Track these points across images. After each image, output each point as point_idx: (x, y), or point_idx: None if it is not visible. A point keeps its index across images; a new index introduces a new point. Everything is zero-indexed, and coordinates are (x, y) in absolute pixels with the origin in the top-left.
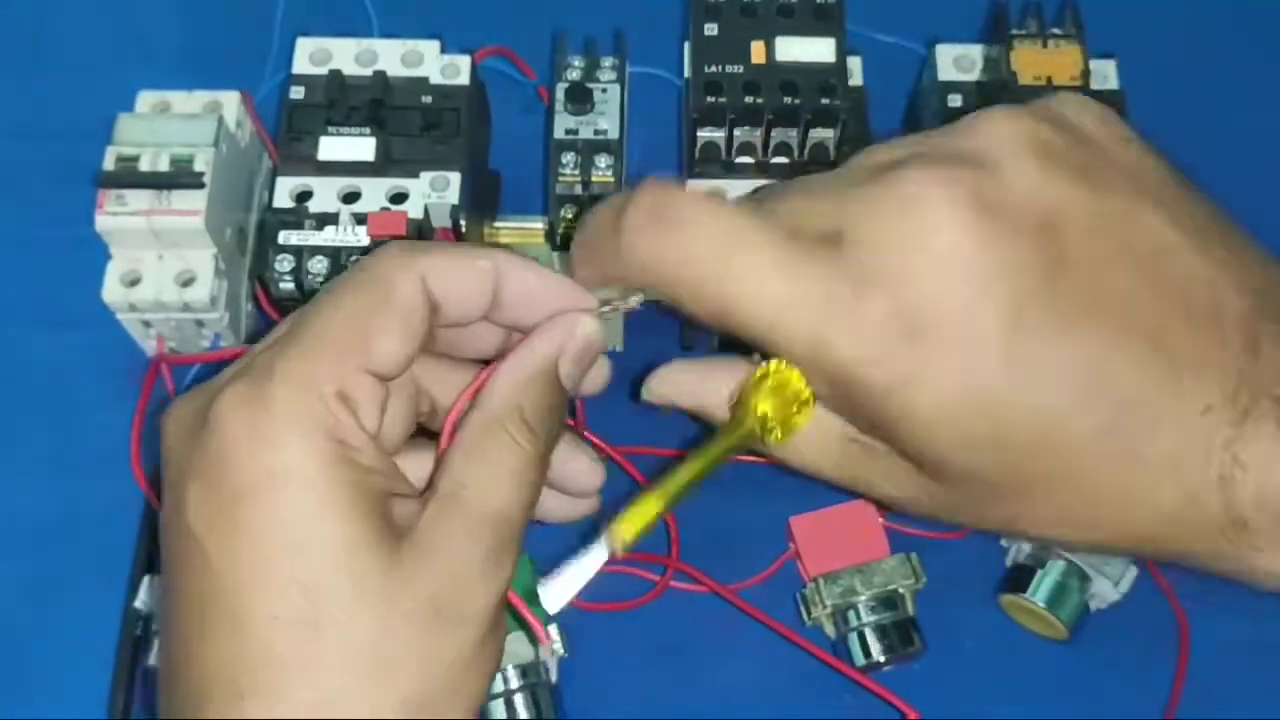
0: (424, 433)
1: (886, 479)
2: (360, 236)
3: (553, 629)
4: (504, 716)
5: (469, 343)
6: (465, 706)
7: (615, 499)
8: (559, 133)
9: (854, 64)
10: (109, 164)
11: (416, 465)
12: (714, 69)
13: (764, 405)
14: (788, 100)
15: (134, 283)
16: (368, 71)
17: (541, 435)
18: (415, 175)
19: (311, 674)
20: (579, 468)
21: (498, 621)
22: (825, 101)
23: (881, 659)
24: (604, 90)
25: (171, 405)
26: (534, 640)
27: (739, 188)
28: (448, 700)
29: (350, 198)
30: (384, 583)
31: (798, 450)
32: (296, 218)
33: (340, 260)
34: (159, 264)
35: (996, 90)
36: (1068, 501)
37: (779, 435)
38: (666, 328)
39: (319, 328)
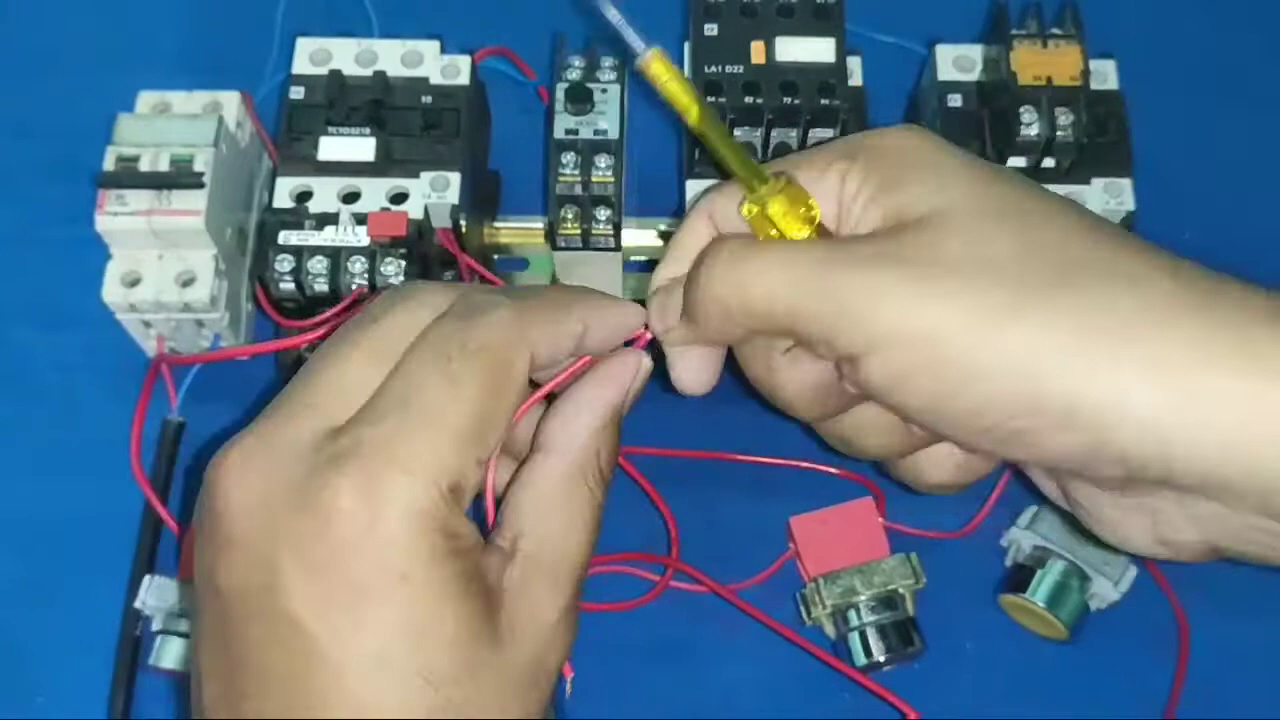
0: None
1: None
2: (360, 237)
3: None
4: None
5: None
6: None
7: (617, 503)
8: (559, 133)
9: (854, 64)
10: (109, 164)
11: None
12: (714, 69)
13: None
14: (787, 100)
15: (134, 283)
16: (368, 72)
17: (610, 480)
18: (415, 175)
19: None
20: None
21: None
22: (825, 101)
23: (881, 659)
24: (604, 90)
25: (228, 456)
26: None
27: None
28: None
29: (350, 198)
30: (495, 666)
31: None
32: (296, 218)
33: (340, 260)
34: (159, 264)
35: (996, 90)
36: None
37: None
38: None
39: (437, 412)
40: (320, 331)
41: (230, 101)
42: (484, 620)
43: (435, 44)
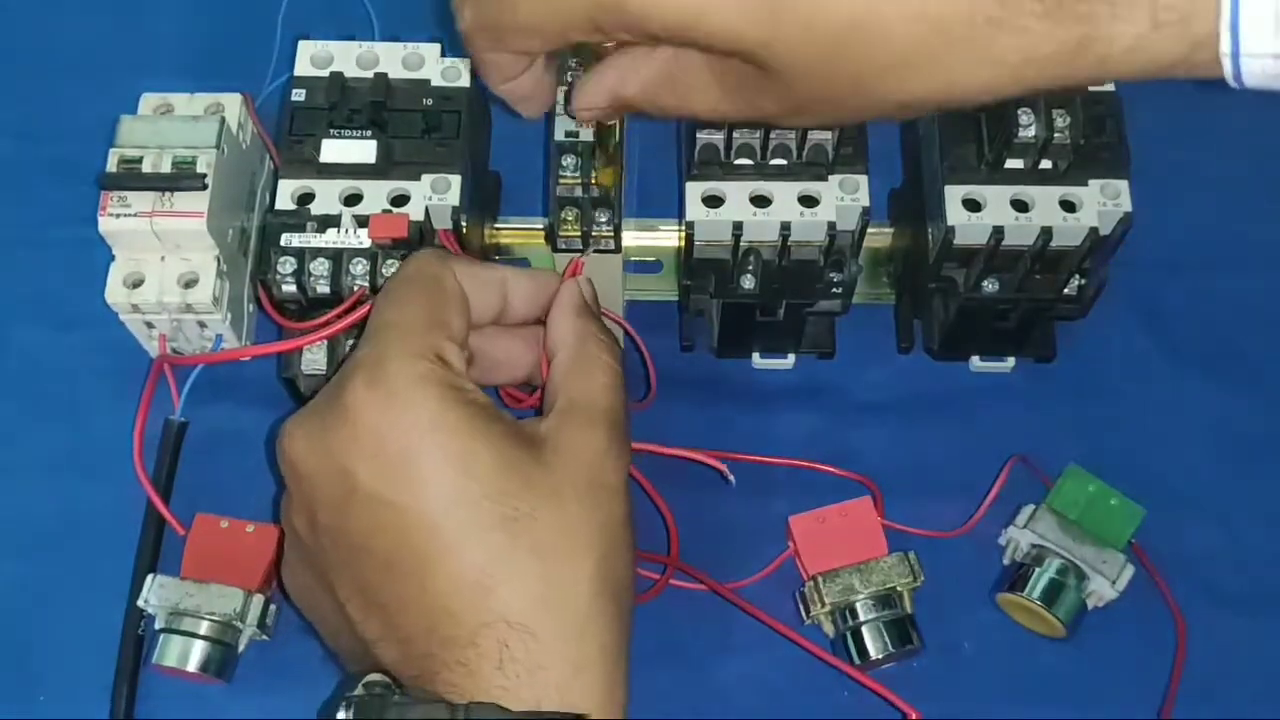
0: None
1: (764, 95)
2: (362, 238)
3: None
4: None
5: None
6: (633, 555)
7: None
8: (559, 135)
9: None
10: (112, 165)
11: None
12: None
13: None
14: None
15: (137, 284)
16: (369, 74)
17: (618, 353)
18: (416, 177)
19: (528, 556)
20: None
21: (630, 499)
22: None
23: (880, 657)
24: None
25: (285, 433)
26: None
27: (738, 190)
28: (624, 553)
29: (352, 200)
30: (545, 479)
31: (700, 105)
32: (298, 220)
33: (342, 262)
34: (161, 265)
35: None
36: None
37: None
38: (666, 328)
39: (400, 320)
40: (322, 333)
41: (232, 103)
42: (524, 449)
43: (436, 47)
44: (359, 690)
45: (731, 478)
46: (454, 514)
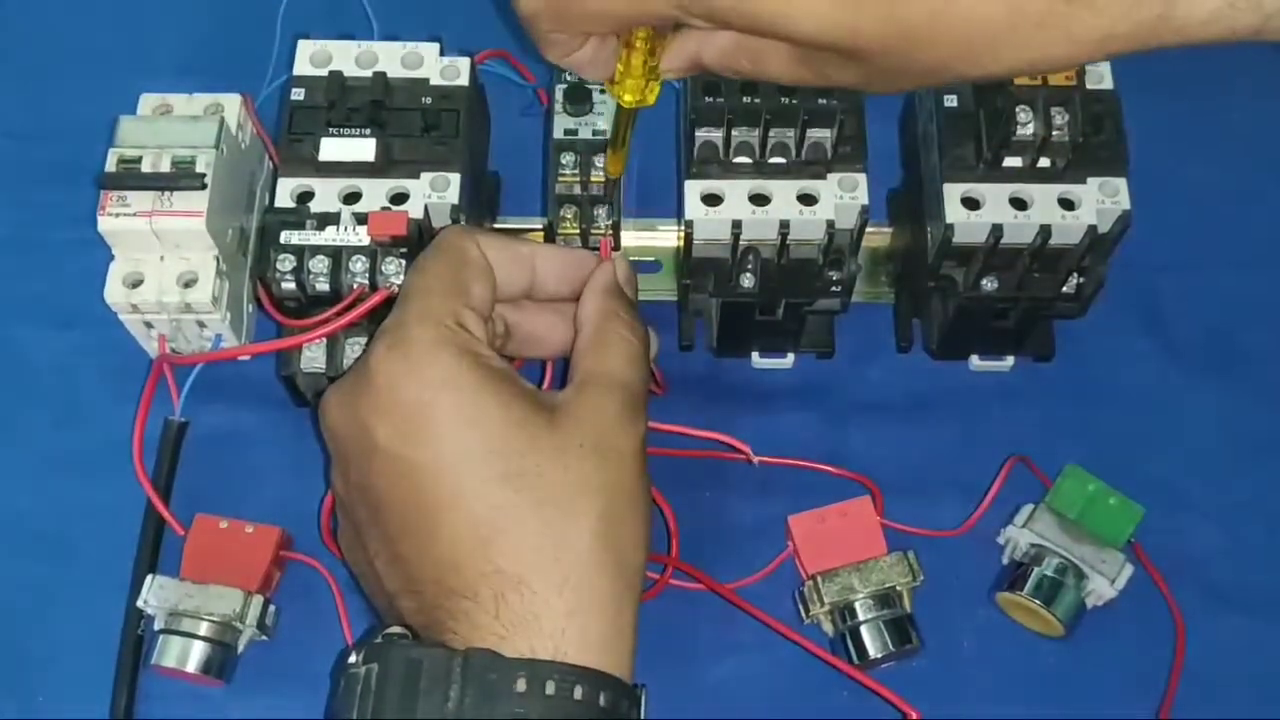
0: None
1: (840, 69)
2: (361, 236)
3: None
4: None
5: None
6: (644, 520)
7: None
8: (558, 133)
9: None
10: (111, 165)
11: None
12: None
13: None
14: (785, 100)
15: (136, 283)
16: (368, 73)
17: (640, 331)
18: (415, 176)
19: (530, 510)
20: None
21: (645, 467)
22: (822, 101)
23: (879, 656)
24: (602, 91)
25: (324, 399)
26: None
27: (737, 188)
28: (631, 515)
29: (351, 198)
30: (553, 438)
31: (775, 71)
32: (298, 218)
33: (341, 259)
34: (161, 265)
35: (992, 90)
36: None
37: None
38: (666, 328)
39: (422, 287)
40: (321, 331)
41: (231, 103)
42: (536, 412)
43: (435, 46)
44: (377, 640)
45: (755, 459)
46: (460, 467)
